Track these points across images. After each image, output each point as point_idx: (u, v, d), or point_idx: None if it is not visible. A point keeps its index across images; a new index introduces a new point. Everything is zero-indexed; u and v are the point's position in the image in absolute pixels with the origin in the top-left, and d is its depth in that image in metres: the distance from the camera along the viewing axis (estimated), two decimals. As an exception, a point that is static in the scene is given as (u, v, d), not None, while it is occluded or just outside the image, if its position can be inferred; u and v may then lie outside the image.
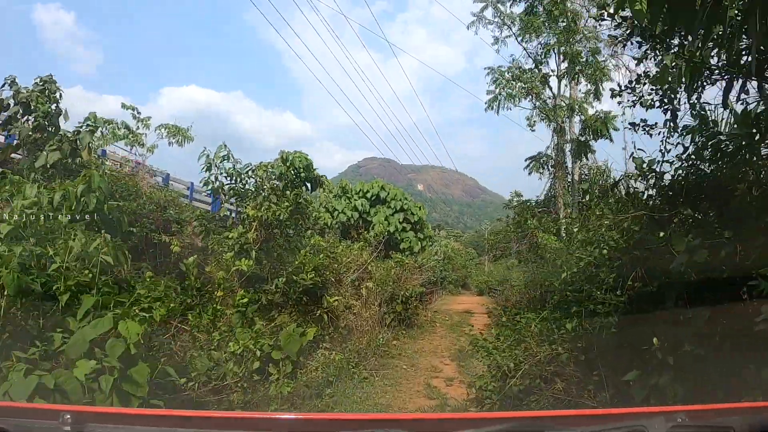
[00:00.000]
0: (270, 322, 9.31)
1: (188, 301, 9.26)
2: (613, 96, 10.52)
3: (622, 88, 10.26)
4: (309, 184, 11.32)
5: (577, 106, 20.64)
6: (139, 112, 20.60)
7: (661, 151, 11.08)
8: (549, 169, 22.77)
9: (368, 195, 25.50)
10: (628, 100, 10.43)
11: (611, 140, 20.55)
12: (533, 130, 22.72)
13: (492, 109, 21.84)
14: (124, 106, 21.21)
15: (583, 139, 21.18)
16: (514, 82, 21.64)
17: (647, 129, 12.61)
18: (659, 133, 7.09)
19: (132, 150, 20.36)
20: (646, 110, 7.28)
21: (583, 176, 22.73)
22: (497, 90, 21.58)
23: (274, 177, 10.69)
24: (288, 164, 10.50)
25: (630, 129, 12.73)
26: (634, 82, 8.37)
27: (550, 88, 22.54)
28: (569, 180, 21.61)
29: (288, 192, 10.22)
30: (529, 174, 22.83)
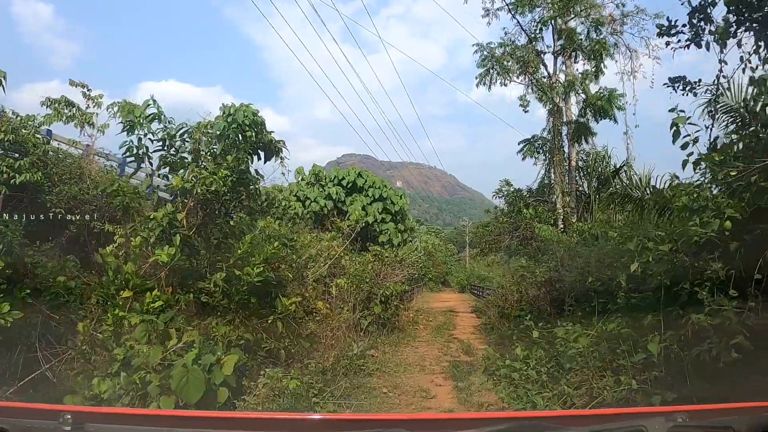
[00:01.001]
0: (209, 332, 6.84)
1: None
2: (660, 34, 8.31)
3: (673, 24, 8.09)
4: (262, 153, 8.74)
5: (578, 83, 18.45)
6: (89, 89, 17.74)
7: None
8: (544, 154, 20.58)
9: (344, 182, 23.00)
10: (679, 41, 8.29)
11: (615, 121, 18.47)
12: (526, 111, 20.51)
13: (483, 84, 19.55)
14: (72, 83, 18.31)
15: (583, 119, 19.03)
16: (506, 57, 19.34)
17: (690, 87, 10.39)
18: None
19: (82, 131, 17.67)
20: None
21: (579, 162, 20.61)
22: (489, 64, 19.24)
23: (214, 140, 8.11)
24: (230, 120, 7.90)
25: (670, 86, 10.38)
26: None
27: (545, 66, 20.35)
28: (566, 166, 19.43)
29: (229, 157, 7.65)
30: (523, 159, 20.63)
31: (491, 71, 19.40)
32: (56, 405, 2.95)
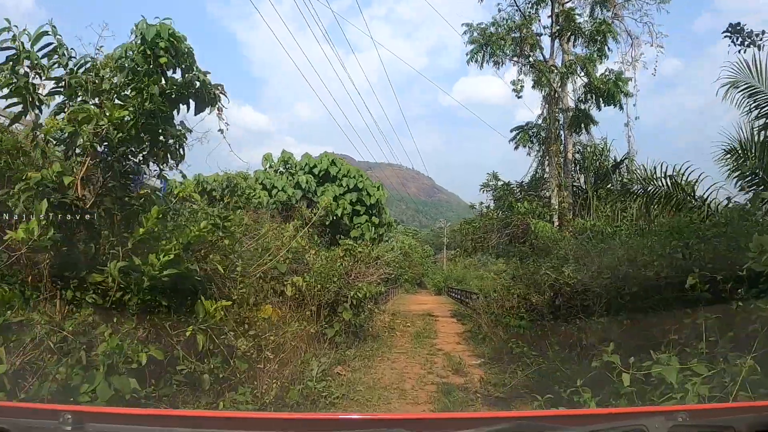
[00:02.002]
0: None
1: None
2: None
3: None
4: (193, 103, 6.37)
5: (580, 63, 16.50)
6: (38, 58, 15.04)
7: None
8: (539, 144, 18.62)
9: (315, 171, 20.65)
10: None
11: (621, 107, 16.61)
12: (520, 97, 18.53)
13: (475, 61, 17.44)
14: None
15: (585, 106, 17.12)
16: (500, 35, 17.27)
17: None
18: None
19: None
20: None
21: (576, 155, 18.75)
22: (481, 41, 17.14)
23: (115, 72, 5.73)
24: (137, 42, 5.51)
25: (728, 36, 8.43)
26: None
27: (541, 50, 18.40)
28: (562, 159, 17.49)
29: (131, 92, 5.30)
30: (516, 148, 18.61)
31: (483, 50, 17.30)
32: (56, 405, 2.85)
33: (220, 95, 6.85)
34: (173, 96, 6.50)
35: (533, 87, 18.83)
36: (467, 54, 17.39)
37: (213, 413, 3.51)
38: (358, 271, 11.49)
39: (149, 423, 1.53)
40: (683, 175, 13.14)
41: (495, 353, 10.03)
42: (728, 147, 12.49)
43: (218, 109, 6.93)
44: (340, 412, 6.43)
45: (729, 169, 12.68)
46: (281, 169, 22.45)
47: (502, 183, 18.67)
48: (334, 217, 19.06)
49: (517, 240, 16.94)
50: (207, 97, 6.70)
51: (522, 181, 18.67)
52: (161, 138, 6.40)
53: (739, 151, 12.15)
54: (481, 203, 20.56)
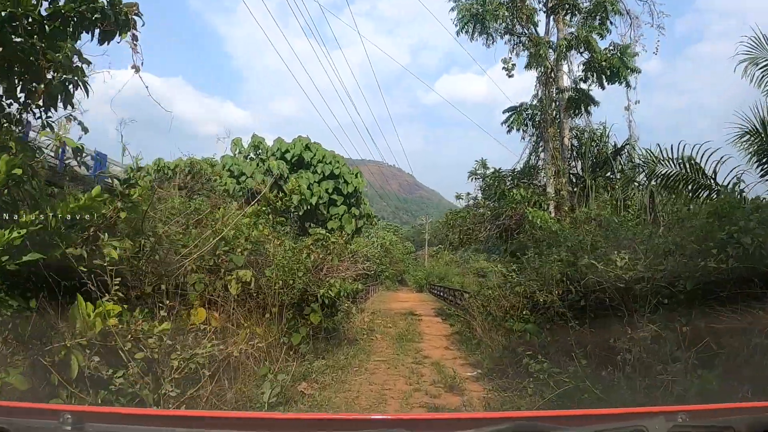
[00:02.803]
0: None
1: None
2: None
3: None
4: (98, 31, 4.54)
5: (582, 34, 14.90)
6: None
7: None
8: (532, 128, 17.02)
9: (288, 156, 18.77)
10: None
11: (627, 84, 15.05)
12: (511, 76, 16.89)
13: (465, 33, 15.72)
14: None
15: (585, 85, 15.56)
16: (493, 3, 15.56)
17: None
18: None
19: None
20: None
21: (573, 141, 17.23)
22: (472, 9, 15.41)
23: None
24: None
25: None
26: None
27: (535, 26, 16.78)
28: (558, 143, 15.91)
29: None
30: (508, 131, 16.95)
31: (473, 21, 15.59)
32: (56, 405, 2.97)
33: (134, 18, 5.01)
34: (68, 19, 4.67)
35: (526, 67, 17.25)
36: (455, 24, 15.67)
37: (213, 413, 3.53)
38: (331, 265, 9.71)
39: (149, 423, 1.49)
40: (701, 157, 11.76)
41: (494, 363, 8.35)
42: (746, 129, 11.11)
43: (132, 37, 5.09)
44: (340, 412, 6.14)
45: (750, 152, 11.31)
46: (252, 155, 20.54)
47: (492, 170, 17.05)
48: (309, 207, 17.24)
49: (510, 232, 15.35)
50: (117, 19, 4.86)
51: (514, 169, 17.09)
52: (46, 73, 4.57)
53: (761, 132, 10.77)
54: (468, 194, 18.93)
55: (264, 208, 9.94)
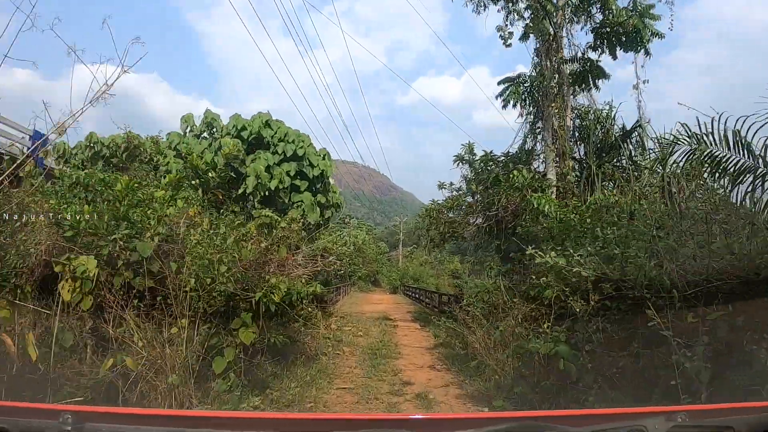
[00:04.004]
0: None
1: None
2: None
3: None
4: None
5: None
6: None
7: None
8: (530, 106, 14.64)
9: (244, 134, 15.98)
10: None
11: (647, 52, 12.79)
12: (509, 45, 14.53)
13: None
14: None
15: (595, 55, 13.24)
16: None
17: None
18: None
19: None
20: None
21: (576, 122, 14.96)
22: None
23: None
24: None
25: None
26: None
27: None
28: (561, 121, 13.56)
29: None
30: (504, 106, 14.55)
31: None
32: (56, 405, 2.95)
33: None
34: None
35: (522, 38, 14.91)
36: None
37: (213, 413, 3.51)
38: (280, 259, 7.00)
39: (149, 423, 1.50)
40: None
41: (508, 398, 5.83)
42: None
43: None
44: (340, 412, 5.96)
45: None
46: (205, 134, 17.66)
47: (483, 153, 14.58)
48: (267, 192, 14.50)
49: (505, 225, 12.91)
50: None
51: (508, 152, 14.67)
52: None
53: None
54: (451, 183, 16.38)
55: (187, 179, 7.22)
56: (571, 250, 6.95)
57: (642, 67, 15.79)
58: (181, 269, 5.36)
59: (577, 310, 5.58)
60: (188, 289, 5.32)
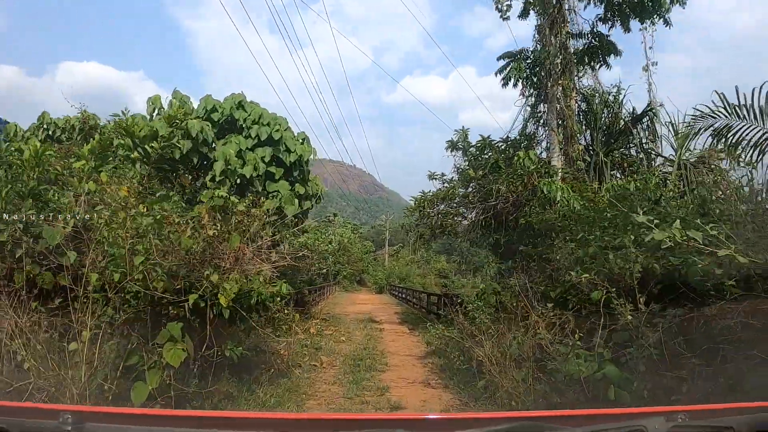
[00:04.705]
0: None
1: None
2: None
3: None
4: None
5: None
6: None
7: None
8: (530, 87, 13.22)
9: (215, 116, 14.31)
10: None
11: (666, 22, 11.45)
12: (506, 18, 13.11)
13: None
14: None
15: (607, 28, 11.86)
16: None
17: None
18: None
19: None
20: None
21: (581, 105, 13.59)
22: None
23: None
24: None
25: None
26: None
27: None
28: (568, 102, 12.16)
29: None
30: (504, 84, 13.08)
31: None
32: (56, 405, 2.89)
33: None
34: None
35: (521, 15, 13.54)
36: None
37: (213, 413, 3.45)
38: (234, 251, 5.41)
39: (149, 423, 1.48)
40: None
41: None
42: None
43: None
44: (340, 412, 5.76)
45: None
46: (174, 115, 15.88)
47: (480, 138, 13.10)
48: (238, 180, 12.88)
49: (506, 216, 11.47)
50: None
51: (507, 137, 13.24)
52: None
53: None
54: (442, 174, 14.89)
55: (123, 148, 5.63)
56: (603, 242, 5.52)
57: (650, 48, 14.44)
58: (75, 261, 3.79)
59: (628, 317, 4.13)
60: (91, 289, 3.76)
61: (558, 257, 6.02)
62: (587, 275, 4.66)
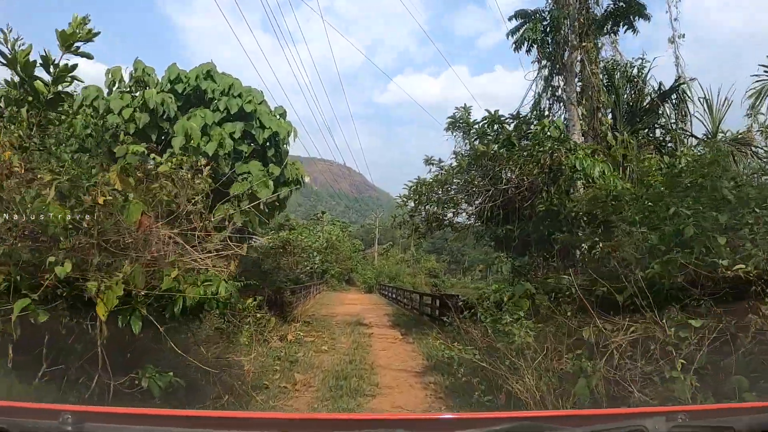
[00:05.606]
0: None
1: None
2: None
3: None
4: None
5: None
6: None
7: None
8: (544, 58, 11.37)
9: (179, 88, 12.32)
10: None
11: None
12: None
13: None
14: None
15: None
16: None
17: None
18: None
19: None
20: None
21: (601, 78, 11.78)
22: None
23: None
24: None
25: None
26: None
27: None
28: (589, 70, 10.34)
29: None
30: (516, 49, 11.21)
31: None
32: (56, 405, 2.45)
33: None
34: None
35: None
36: None
37: (213, 413, 3.38)
38: (132, 225, 3.46)
39: (149, 423, 1.49)
40: None
41: None
42: None
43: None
44: (340, 412, 5.59)
45: None
46: (129, 86, 13.85)
47: (487, 113, 11.23)
48: (204, 157, 10.91)
49: (521, 203, 9.61)
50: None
51: (518, 113, 11.35)
52: None
53: None
54: (440, 160, 12.93)
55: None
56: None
57: (676, 20, 12.70)
58: None
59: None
60: None
61: (624, 248, 4.17)
62: (742, 266, 2.82)
